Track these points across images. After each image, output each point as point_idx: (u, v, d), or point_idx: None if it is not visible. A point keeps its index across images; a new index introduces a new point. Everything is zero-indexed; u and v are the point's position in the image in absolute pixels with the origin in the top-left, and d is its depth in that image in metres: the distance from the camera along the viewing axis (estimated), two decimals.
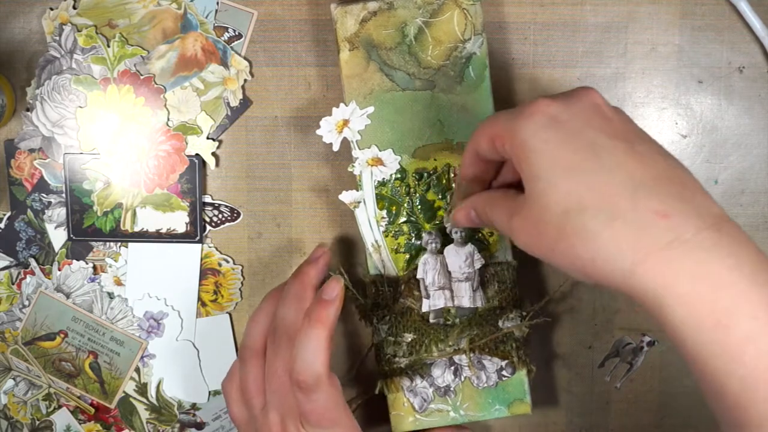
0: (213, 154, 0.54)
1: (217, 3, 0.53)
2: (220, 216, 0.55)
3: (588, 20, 0.53)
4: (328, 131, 0.49)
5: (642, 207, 0.34)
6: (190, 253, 0.55)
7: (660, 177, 0.35)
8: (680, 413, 0.57)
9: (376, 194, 0.50)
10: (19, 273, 0.56)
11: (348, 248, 0.56)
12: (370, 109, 0.49)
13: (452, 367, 0.51)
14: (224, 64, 0.53)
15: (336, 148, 0.49)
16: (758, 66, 0.54)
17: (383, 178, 0.50)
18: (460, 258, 0.50)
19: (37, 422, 0.58)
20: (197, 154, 0.54)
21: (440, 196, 0.51)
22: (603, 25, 0.53)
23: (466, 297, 0.50)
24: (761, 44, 0.53)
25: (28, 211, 0.55)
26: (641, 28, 0.54)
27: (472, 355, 0.51)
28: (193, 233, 0.55)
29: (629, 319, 0.56)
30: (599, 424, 0.58)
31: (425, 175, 0.50)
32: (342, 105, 0.49)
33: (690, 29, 0.54)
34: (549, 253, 0.36)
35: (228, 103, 0.54)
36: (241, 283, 0.56)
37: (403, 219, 0.51)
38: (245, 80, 0.54)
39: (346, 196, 0.50)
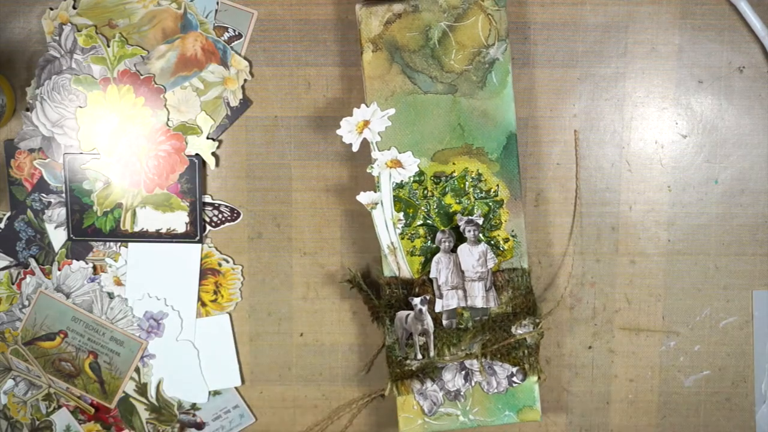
0: (213, 154, 0.54)
1: (217, 3, 0.53)
2: (220, 216, 0.55)
3: (588, 20, 0.53)
4: (348, 131, 0.49)
5: None
6: (190, 253, 0.55)
7: None
8: (680, 413, 0.57)
9: (394, 196, 0.50)
10: (19, 273, 0.56)
11: (348, 247, 0.56)
12: (391, 111, 0.49)
13: (463, 372, 0.51)
14: (224, 64, 0.53)
15: (356, 148, 0.49)
16: (758, 66, 0.54)
17: (401, 181, 0.50)
18: (473, 257, 0.50)
19: (37, 422, 0.58)
20: (197, 154, 0.54)
21: (458, 201, 0.51)
22: (603, 25, 0.53)
23: (479, 297, 0.50)
24: (761, 44, 0.53)
25: (28, 211, 0.55)
26: (641, 28, 0.54)
27: (483, 360, 0.51)
28: (193, 233, 0.55)
29: (629, 319, 0.56)
30: (599, 424, 0.58)
31: (443, 178, 0.50)
32: (363, 105, 0.48)
33: (690, 29, 0.54)
34: None
35: (228, 103, 0.54)
36: (241, 283, 0.56)
37: (419, 222, 0.51)
38: (245, 80, 0.54)
39: (364, 197, 0.50)
